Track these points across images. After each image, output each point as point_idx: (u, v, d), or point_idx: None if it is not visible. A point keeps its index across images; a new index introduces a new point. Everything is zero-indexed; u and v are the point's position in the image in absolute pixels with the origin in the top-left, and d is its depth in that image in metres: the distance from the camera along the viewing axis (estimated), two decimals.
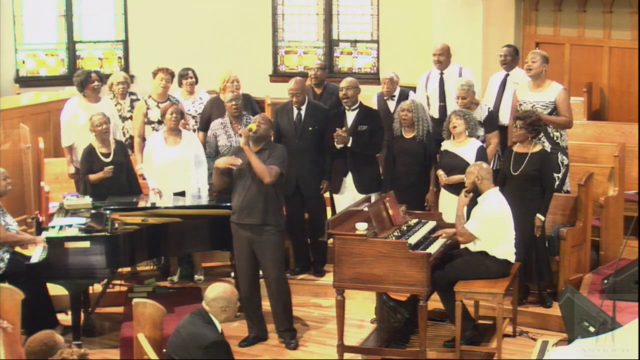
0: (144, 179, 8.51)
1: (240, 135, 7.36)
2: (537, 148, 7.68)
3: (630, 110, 10.11)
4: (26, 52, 12.80)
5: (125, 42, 13.14)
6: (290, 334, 7.53)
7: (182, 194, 8.29)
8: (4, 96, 11.40)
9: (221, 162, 7.38)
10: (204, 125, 8.79)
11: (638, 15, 9.98)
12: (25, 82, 12.56)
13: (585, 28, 10.72)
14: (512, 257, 7.07)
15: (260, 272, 7.57)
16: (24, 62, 12.80)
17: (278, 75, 13.19)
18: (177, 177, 8.27)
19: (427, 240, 7.14)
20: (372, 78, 12.62)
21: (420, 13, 12.03)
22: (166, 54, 12.43)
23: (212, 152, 8.42)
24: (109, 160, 8.18)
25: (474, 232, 6.94)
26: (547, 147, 8.01)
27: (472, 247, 7.03)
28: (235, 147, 7.95)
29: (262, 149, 7.31)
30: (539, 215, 7.57)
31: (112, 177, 8.15)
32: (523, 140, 7.64)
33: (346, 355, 7.08)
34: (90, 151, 8.22)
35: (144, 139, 8.76)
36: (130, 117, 9.11)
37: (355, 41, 13.15)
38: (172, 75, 9.05)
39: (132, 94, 9.32)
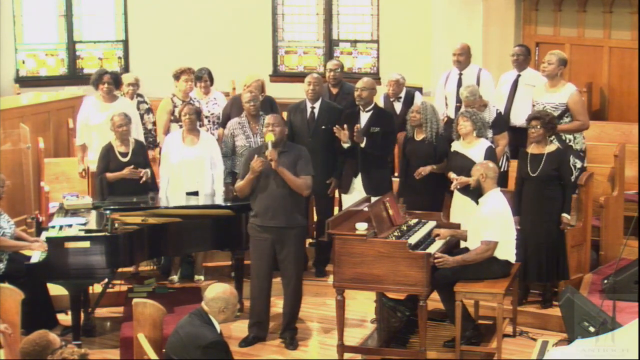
0: None
1: (256, 134, 7.65)
2: (553, 148, 7.67)
3: (630, 110, 10.11)
4: (26, 52, 12.80)
5: (125, 42, 13.14)
6: (291, 333, 7.53)
7: (196, 193, 8.27)
8: (4, 96, 11.40)
9: (258, 165, 7.20)
10: (225, 123, 8.78)
11: (638, 15, 9.97)
12: (25, 82, 12.55)
13: (585, 28, 10.72)
14: (512, 257, 7.06)
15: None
16: (24, 62, 12.79)
17: (278, 75, 13.20)
18: (192, 177, 8.25)
19: (427, 240, 7.14)
20: (372, 78, 12.55)
21: (420, 13, 12.02)
22: (166, 54, 12.44)
23: (229, 152, 8.41)
24: (126, 159, 8.17)
25: (493, 238, 6.88)
26: None
27: (473, 247, 7.03)
28: (252, 149, 7.83)
29: (281, 152, 7.28)
30: (564, 215, 7.56)
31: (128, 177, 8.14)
32: (540, 140, 7.62)
33: (346, 355, 7.09)
34: (108, 150, 8.21)
35: None
36: None
37: (355, 41, 13.14)
38: (194, 74, 9.09)
39: (139, 95, 9.34)
